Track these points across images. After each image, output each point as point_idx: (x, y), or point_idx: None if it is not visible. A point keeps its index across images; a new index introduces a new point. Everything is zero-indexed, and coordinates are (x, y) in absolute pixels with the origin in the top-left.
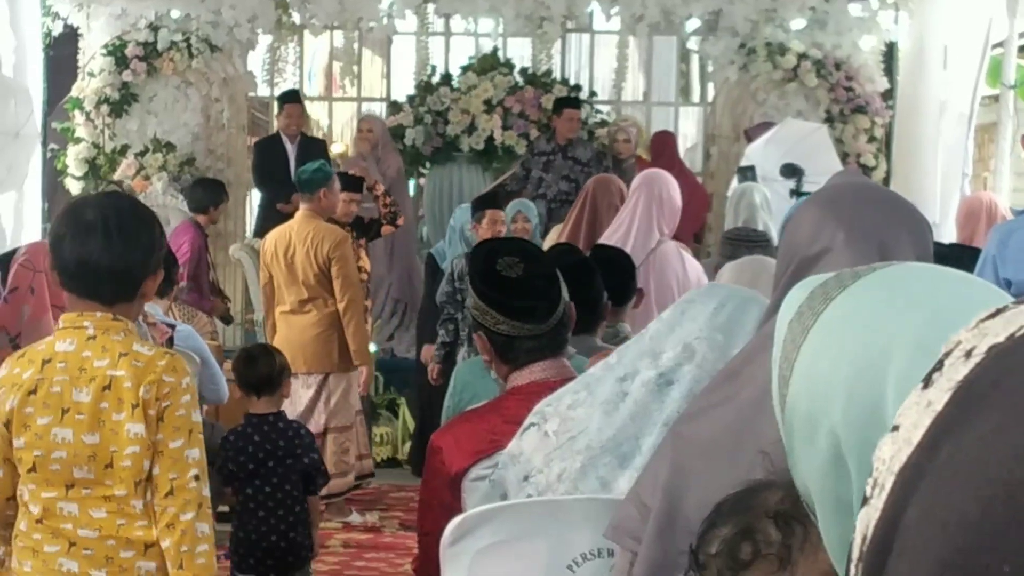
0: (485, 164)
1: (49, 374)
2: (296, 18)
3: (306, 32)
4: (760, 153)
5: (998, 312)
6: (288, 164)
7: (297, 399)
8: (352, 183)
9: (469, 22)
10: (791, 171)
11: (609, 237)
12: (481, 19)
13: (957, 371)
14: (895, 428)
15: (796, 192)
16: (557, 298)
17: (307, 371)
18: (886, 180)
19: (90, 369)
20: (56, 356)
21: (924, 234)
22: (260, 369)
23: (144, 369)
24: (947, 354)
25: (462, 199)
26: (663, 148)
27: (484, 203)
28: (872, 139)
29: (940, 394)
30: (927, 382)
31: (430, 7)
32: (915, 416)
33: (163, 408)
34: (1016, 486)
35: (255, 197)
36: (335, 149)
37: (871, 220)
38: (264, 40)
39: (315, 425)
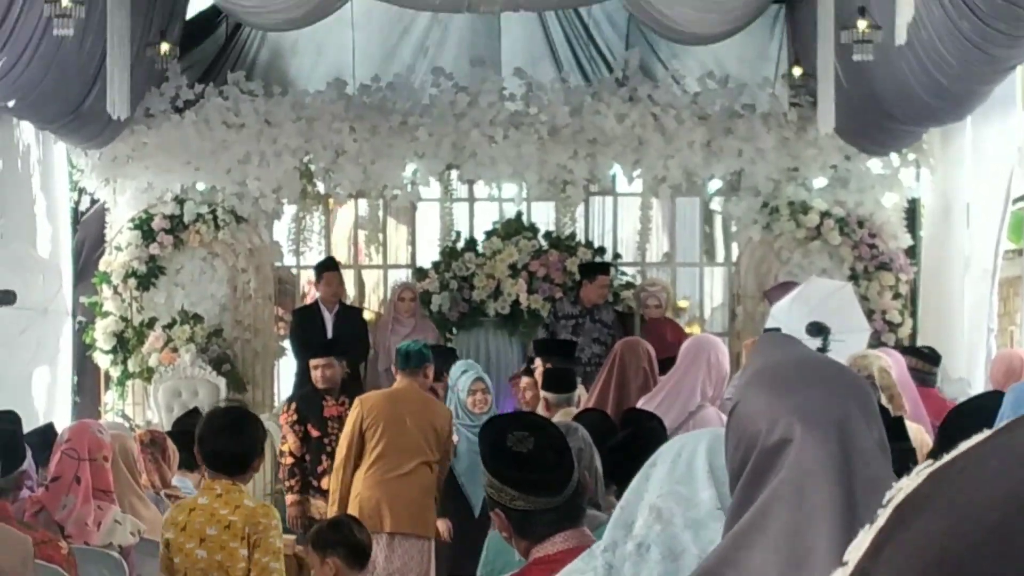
0: (511, 328)
1: (193, 517)
2: (321, 188)
3: (331, 201)
4: (786, 312)
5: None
6: (326, 332)
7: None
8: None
9: (492, 188)
10: (818, 330)
11: (652, 398)
12: (504, 184)
13: (900, 495)
14: (844, 563)
15: (822, 350)
16: (570, 468)
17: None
18: (912, 336)
19: (217, 515)
20: (198, 507)
21: (871, 403)
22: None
23: (249, 514)
24: (888, 501)
25: (489, 364)
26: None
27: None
28: (897, 295)
29: (881, 516)
30: (872, 519)
31: (453, 173)
32: (859, 542)
33: (257, 539)
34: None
35: (283, 367)
36: (364, 316)
37: (823, 401)
38: (289, 210)
39: None
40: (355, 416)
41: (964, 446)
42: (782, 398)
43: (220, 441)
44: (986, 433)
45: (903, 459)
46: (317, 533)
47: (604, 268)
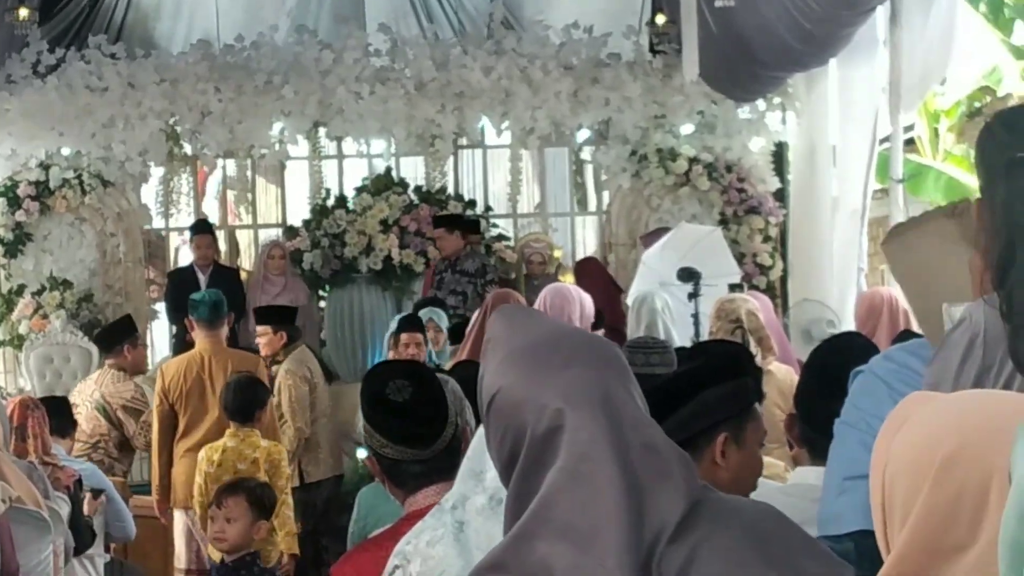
0: (385, 284)
1: (227, 456)
2: (188, 149)
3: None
4: (656, 259)
5: None
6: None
7: None
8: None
9: (361, 144)
10: (688, 275)
11: None
12: (373, 140)
13: None
14: None
15: (693, 295)
16: (443, 423)
17: None
18: (783, 278)
19: (243, 453)
20: (227, 448)
21: (625, 367)
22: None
23: (266, 453)
24: None
25: (363, 321)
26: (584, 273)
27: (404, 324)
28: (767, 239)
29: None
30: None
31: (321, 131)
32: None
33: (273, 469)
34: None
35: (155, 329)
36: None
37: (583, 380)
38: (156, 172)
39: None
40: (158, 388)
41: None
42: (542, 383)
43: (233, 397)
44: None
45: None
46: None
47: (442, 221)
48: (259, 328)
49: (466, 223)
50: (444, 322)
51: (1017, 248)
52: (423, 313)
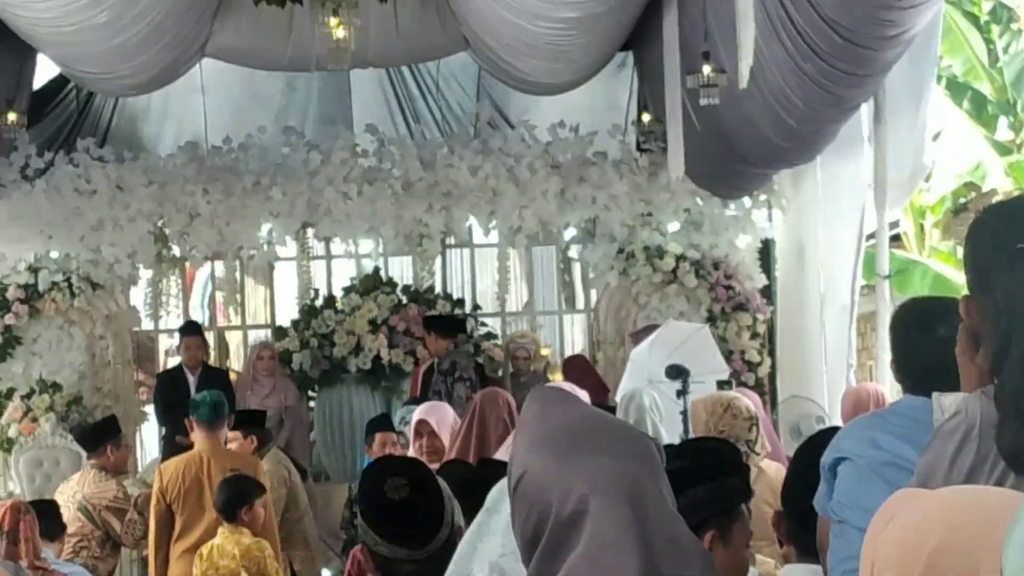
0: (374, 384)
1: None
2: (176, 251)
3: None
4: (645, 356)
5: None
6: (190, 396)
7: None
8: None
9: (349, 244)
10: (677, 372)
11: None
12: (361, 240)
13: None
14: None
15: (682, 392)
16: (438, 524)
17: None
18: (771, 375)
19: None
20: (214, 546)
21: (657, 461)
22: None
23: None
24: None
25: (352, 421)
26: (572, 369)
27: (375, 425)
28: (755, 335)
29: None
30: None
31: (309, 232)
32: None
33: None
34: None
35: (145, 432)
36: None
37: (612, 468)
38: (145, 274)
39: None
40: (156, 488)
41: None
42: (571, 467)
43: (218, 495)
44: None
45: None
46: None
47: (441, 322)
48: (230, 433)
49: (450, 324)
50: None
51: (1013, 339)
52: (402, 412)
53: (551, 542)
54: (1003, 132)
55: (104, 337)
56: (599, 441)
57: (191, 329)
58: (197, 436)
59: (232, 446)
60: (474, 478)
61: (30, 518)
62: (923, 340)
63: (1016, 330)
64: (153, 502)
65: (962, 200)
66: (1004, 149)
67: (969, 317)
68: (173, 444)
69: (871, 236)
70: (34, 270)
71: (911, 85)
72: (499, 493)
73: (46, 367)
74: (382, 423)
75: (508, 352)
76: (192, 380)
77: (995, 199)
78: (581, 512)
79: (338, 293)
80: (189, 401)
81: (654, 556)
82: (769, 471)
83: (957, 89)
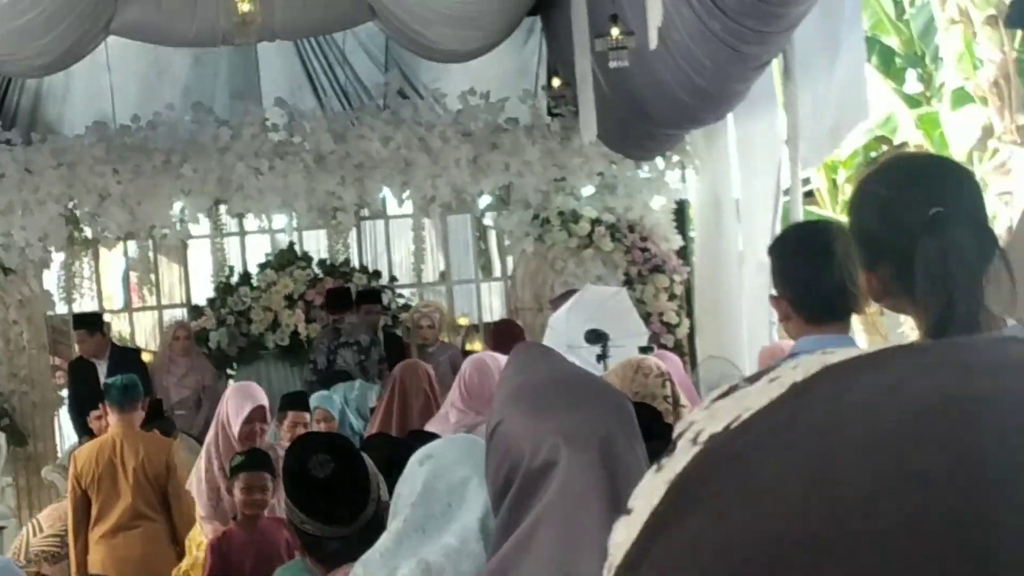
0: (292, 359)
1: None
2: (88, 232)
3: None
4: (564, 322)
5: (730, 391)
6: (99, 382)
7: None
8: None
9: (262, 219)
10: (596, 336)
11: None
12: (274, 215)
13: (680, 461)
14: (629, 511)
15: (602, 357)
16: (364, 501)
17: None
18: (690, 336)
19: None
20: None
21: (632, 418)
22: None
23: None
24: (680, 435)
25: (272, 397)
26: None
27: (289, 403)
28: (672, 296)
29: (661, 485)
30: (659, 466)
31: (222, 208)
32: (644, 501)
33: None
34: None
35: (63, 417)
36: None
37: (585, 422)
38: (58, 258)
39: None
40: (71, 475)
41: (752, 408)
42: (545, 419)
43: None
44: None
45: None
46: None
47: (369, 296)
48: None
49: (332, 299)
50: (335, 408)
51: (958, 304)
52: (314, 399)
53: (520, 491)
54: (912, 84)
55: (18, 322)
56: (575, 395)
57: (76, 323)
58: (111, 419)
59: None
60: (398, 451)
61: None
62: (824, 266)
63: (956, 290)
64: (69, 488)
65: (873, 154)
66: (913, 101)
67: (872, 290)
68: (87, 431)
69: (785, 192)
70: None
71: (824, 40)
72: (425, 481)
73: None
74: (296, 401)
75: (413, 323)
76: (100, 366)
77: (907, 151)
78: (552, 463)
79: (253, 270)
80: (101, 385)
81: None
82: None
83: (865, 43)
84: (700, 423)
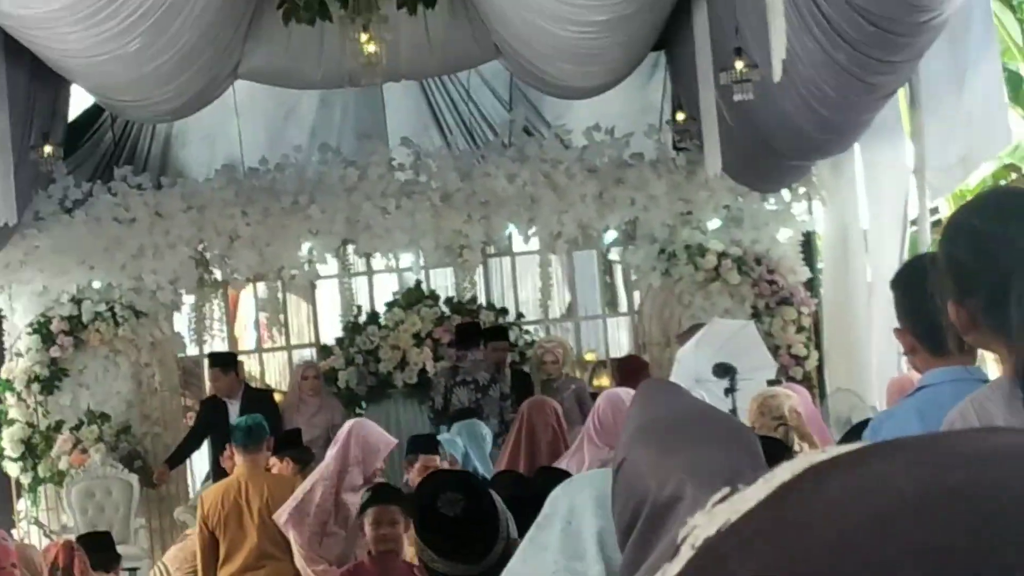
0: (421, 398)
1: None
2: (218, 274)
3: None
4: (691, 356)
5: (731, 493)
6: (228, 422)
7: None
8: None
9: (389, 258)
10: (724, 370)
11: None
12: (401, 254)
13: (676, 566)
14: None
15: (730, 390)
16: (493, 539)
17: None
18: (819, 368)
19: None
20: None
21: (759, 454)
22: None
23: None
24: (683, 540)
25: (401, 435)
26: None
27: (417, 446)
28: (800, 329)
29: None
30: (663, 572)
31: (349, 248)
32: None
33: None
34: None
35: (195, 458)
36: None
37: (712, 458)
38: (188, 300)
39: None
40: (199, 516)
41: (742, 510)
42: (671, 456)
43: None
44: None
45: None
46: None
47: (495, 333)
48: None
49: (461, 335)
50: (459, 451)
51: None
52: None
53: (645, 528)
54: None
55: (150, 364)
56: (703, 432)
57: (211, 362)
58: (236, 460)
59: (273, 470)
60: (525, 489)
61: (81, 554)
62: None
63: None
64: (197, 530)
65: (1003, 182)
66: None
67: (959, 323)
68: (219, 469)
69: (913, 222)
70: (77, 301)
71: (951, 67)
72: (551, 507)
73: (93, 397)
74: (425, 444)
75: (536, 358)
76: (232, 405)
77: (1005, 185)
78: (677, 498)
79: (381, 308)
80: (229, 427)
81: None
82: None
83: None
84: (701, 528)
